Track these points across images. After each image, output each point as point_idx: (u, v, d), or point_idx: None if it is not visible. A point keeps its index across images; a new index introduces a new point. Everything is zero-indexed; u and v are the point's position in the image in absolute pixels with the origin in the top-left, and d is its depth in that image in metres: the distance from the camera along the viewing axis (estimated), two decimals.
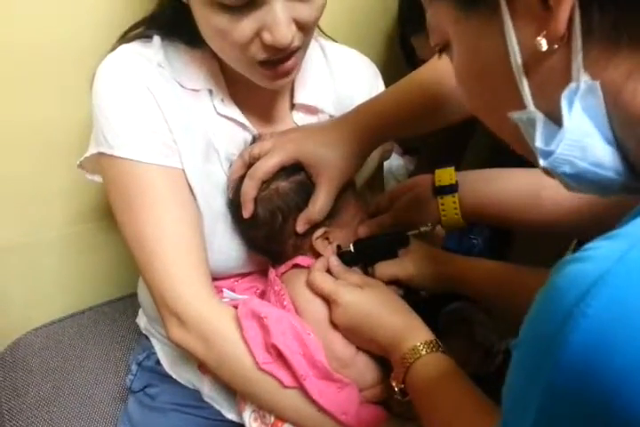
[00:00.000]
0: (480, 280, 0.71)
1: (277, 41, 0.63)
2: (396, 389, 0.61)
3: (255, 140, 0.77)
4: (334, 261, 0.72)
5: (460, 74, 0.45)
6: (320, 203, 0.71)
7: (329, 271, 0.72)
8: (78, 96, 0.80)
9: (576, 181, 0.39)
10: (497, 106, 0.42)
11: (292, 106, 0.82)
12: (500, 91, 0.42)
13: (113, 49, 0.74)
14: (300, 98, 0.81)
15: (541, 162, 0.39)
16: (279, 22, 0.61)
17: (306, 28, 0.66)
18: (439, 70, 0.71)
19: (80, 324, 1.05)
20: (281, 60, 0.67)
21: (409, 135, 0.83)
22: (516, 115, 0.40)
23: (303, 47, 0.69)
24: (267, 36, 0.63)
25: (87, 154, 0.74)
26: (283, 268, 0.76)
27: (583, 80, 0.36)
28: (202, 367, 0.79)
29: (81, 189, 0.99)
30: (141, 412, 0.86)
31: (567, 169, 0.38)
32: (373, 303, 0.66)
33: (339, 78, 0.86)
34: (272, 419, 0.67)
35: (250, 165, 0.73)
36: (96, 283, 1.11)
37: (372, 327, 0.65)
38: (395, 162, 1.08)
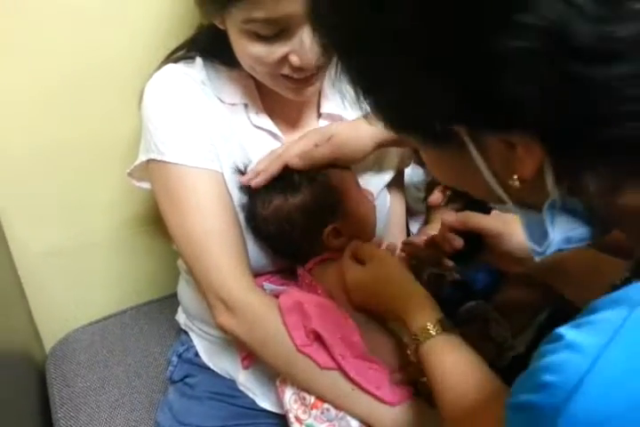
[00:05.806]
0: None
1: (304, 65, 0.72)
2: (412, 358, 0.67)
3: None
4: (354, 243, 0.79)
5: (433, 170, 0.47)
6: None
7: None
8: (123, 113, 0.91)
9: None
10: (473, 190, 0.45)
11: (319, 115, 0.90)
12: (477, 188, 0.44)
13: (159, 68, 0.83)
14: (325, 108, 0.89)
15: (535, 256, 0.42)
16: (306, 49, 0.71)
17: None
18: None
19: (122, 322, 1.12)
20: (306, 79, 0.76)
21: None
22: (497, 207, 0.43)
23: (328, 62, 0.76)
24: (294, 59, 0.72)
25: (136, 162, 0.82)
26: (310, 264, 0.83)
27: (559, 194, 0.38)
28: (245, 361, 0.84)
29: (125, 197, 1.07)
30: (180, 400, 0.91)
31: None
32: (375, 278, 0.73)
33: None
34: (312, 400, 0.72)
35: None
36: (137, 284, 1.18)
37: (379, 302, 0.72)
38: (413, 170, 1.14)
